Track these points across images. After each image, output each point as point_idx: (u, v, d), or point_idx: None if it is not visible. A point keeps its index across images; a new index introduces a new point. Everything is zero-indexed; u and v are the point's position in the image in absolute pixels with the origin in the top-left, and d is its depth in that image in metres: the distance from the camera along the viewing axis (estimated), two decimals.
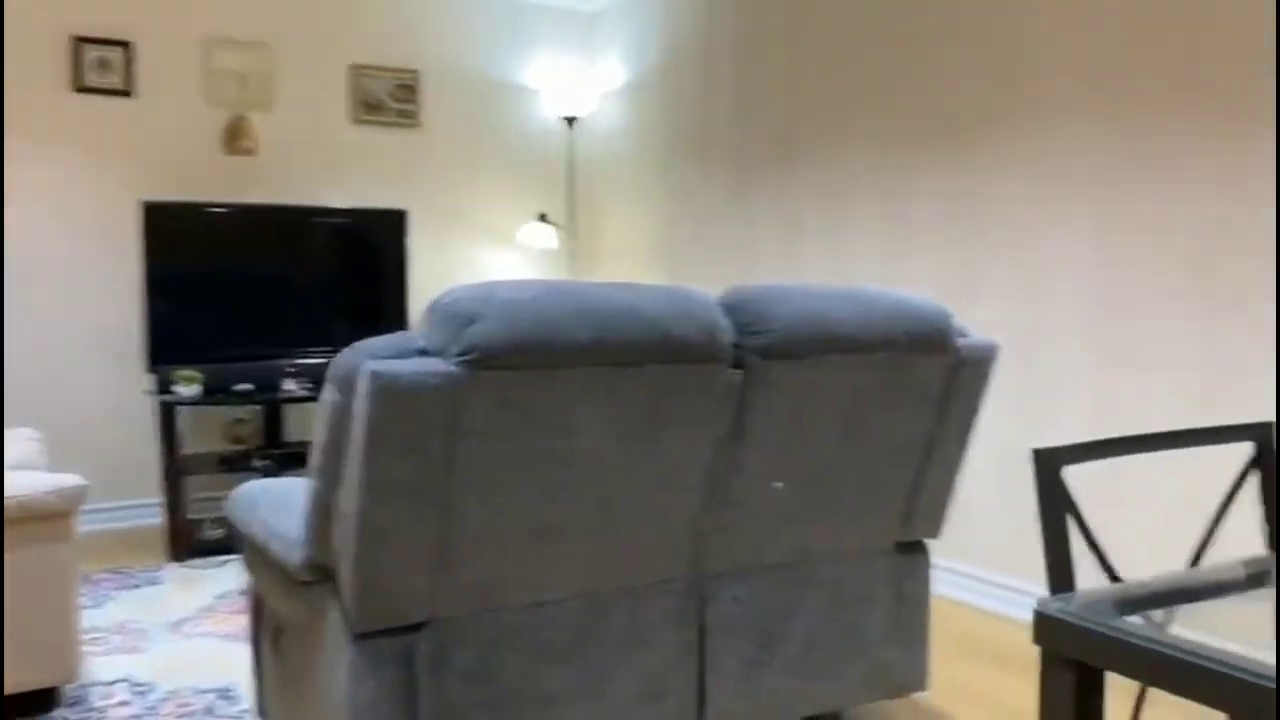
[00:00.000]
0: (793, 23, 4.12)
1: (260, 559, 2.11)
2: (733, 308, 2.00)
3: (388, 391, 1.64)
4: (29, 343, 4.11)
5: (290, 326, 4.34)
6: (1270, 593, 1.32)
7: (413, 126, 4.90)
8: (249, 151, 4.51)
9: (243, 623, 3.23)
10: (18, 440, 3.11)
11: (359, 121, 4.77)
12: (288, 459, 4.24)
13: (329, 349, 4.38)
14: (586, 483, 1.87)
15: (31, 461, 3.01)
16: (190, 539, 3.96)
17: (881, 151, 3.75)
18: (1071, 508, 1.55)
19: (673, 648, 2.10)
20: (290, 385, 4.12)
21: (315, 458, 1.80)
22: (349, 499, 1.73)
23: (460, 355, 1.69)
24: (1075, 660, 1.15)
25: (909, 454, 2.29)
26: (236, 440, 4.34)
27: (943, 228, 3.54)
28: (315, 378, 4.22)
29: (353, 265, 4.46)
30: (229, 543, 4.01)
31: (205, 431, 4.39)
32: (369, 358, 1.68)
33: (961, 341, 2.25)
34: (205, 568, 3.83)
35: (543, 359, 1.74)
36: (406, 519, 1.74)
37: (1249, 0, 2.71)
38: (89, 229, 4.21)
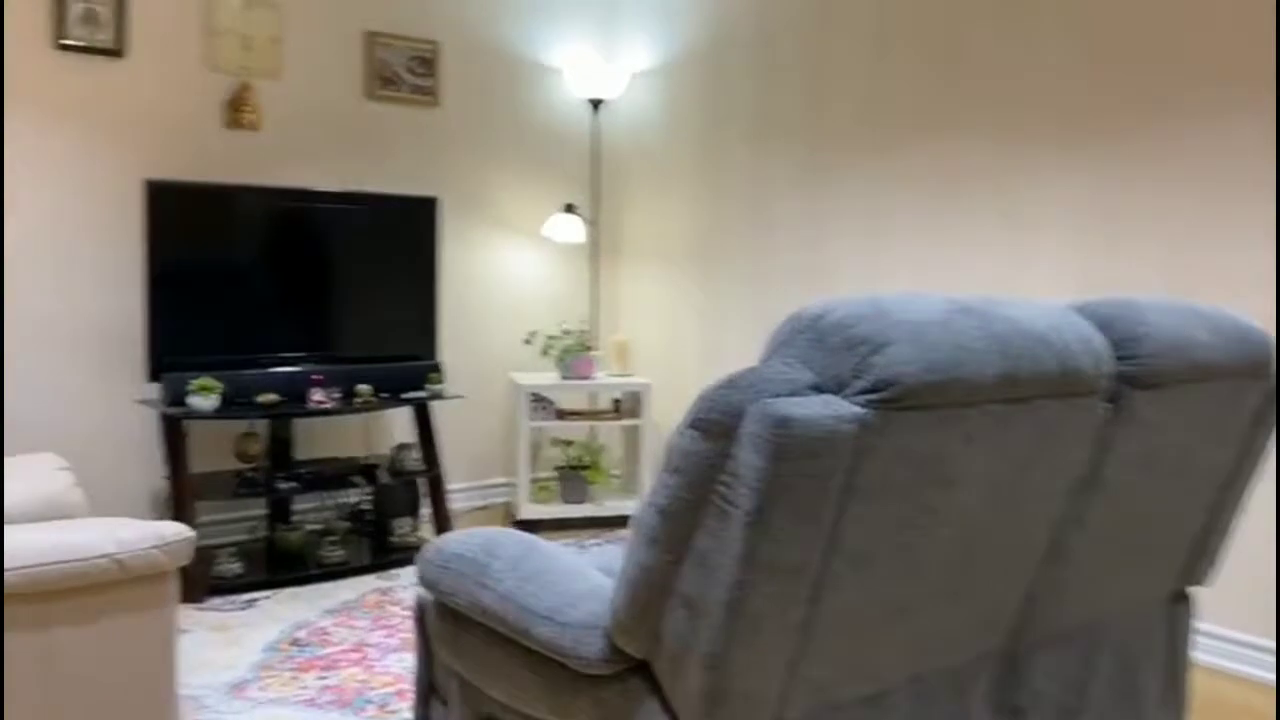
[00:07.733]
0: None
1: (493, 640, 1.66)
2: (1103, 327, 1.65)
3: (796, 441, 1.23)
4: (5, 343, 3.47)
5: (308, 327, 3.80)
6: None
7: (431, 105, 4.38)
8: (252, 126, 3.93)
9: (316, 683, 2.72)
10: (43, 470, 2.53)
11: (374, 97, 4.23)
12: (315, 480, 3.71)
13: (352, 353, 3.85)
14: (948, 546, 1.50)
15: (68, 499, 2.44)
16: (206, 576, 3.39)
17: (996, 140, 3.45)
18: None
19: None
20: (318, 395, 3.59)
21: (652, 521, 1.37)
22: (712, 579, 1.31)
23: (868, 392, 1.29)
24: None
25: (1205, 492, 1.98)
26: (246, 457, 3.76)
27: (1072, 226, 3.27)
28: (345, 386, 3.69)
29: (376, 259, 3.94)
30: (249, 578, 3.46)
31: (206, 448, 3.80)
32: (760, 395, 1.26)
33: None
34: (230, 610, 3.28)
35: (954, 396, 1.35)
36: (779, 605, 1.33)
37: None
38: (77, 210, 3.58)
